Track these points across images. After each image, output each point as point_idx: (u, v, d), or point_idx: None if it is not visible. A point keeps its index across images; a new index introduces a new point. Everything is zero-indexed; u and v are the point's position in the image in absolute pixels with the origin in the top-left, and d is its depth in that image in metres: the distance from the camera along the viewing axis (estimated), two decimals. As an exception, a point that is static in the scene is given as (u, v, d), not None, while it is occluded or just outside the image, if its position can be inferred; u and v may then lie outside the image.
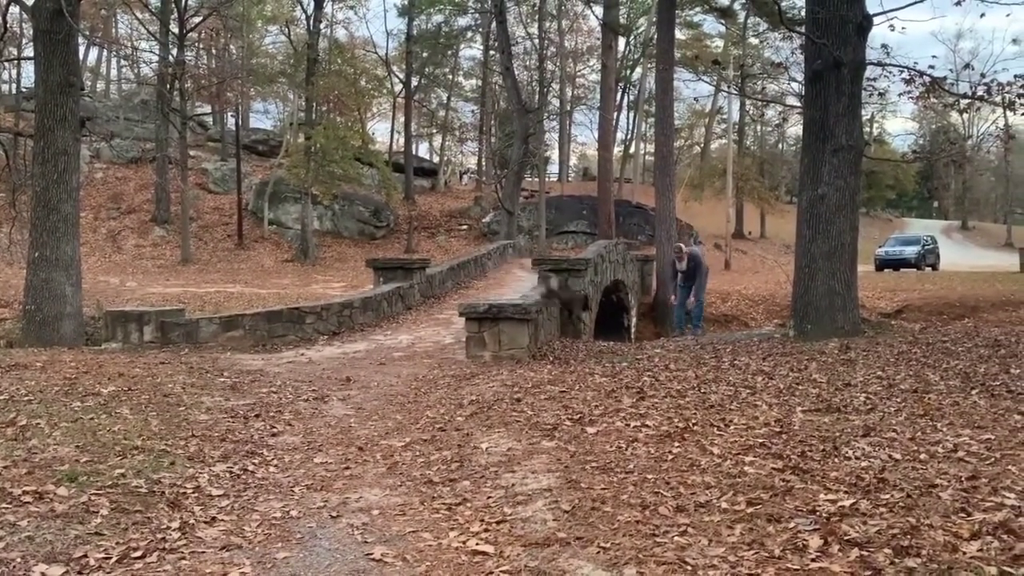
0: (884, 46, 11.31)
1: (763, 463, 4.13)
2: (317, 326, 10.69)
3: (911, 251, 30.53)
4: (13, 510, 3.58)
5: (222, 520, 3.77)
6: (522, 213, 34.16)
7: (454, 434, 5.32)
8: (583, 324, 11.57)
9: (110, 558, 3.22)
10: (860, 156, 9.75)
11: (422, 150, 52.43)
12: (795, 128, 43.32)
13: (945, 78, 11.10)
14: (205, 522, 3.73)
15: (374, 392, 7.09)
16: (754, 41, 41.15)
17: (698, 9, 39.94)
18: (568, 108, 45.19)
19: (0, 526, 3.40)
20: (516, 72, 33.01)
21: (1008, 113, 13.01)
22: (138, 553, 3.29)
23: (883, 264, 29.53)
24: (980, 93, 10.55)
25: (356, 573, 3.17)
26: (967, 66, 13.35)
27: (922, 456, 4.13)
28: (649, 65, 41.05)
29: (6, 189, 14.11)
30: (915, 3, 9.80)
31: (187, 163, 29.32)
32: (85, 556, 3.22)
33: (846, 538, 3.04)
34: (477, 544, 3.34)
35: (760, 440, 4.58)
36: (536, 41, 37.54)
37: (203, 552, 3.37)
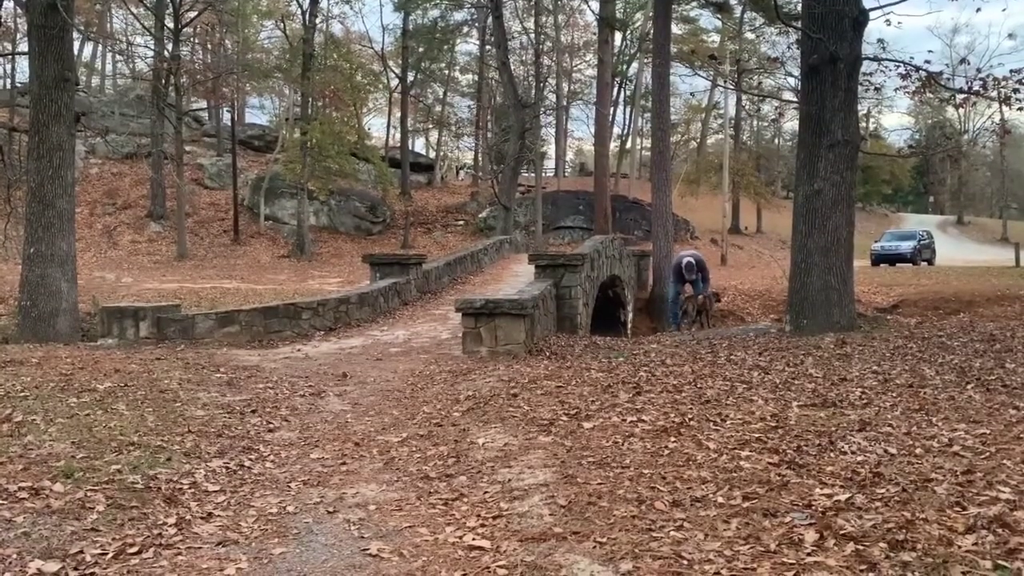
0: (880, 41, 11.34)
1: (759, 458, 4.14)
2: (313, 322, 10.68)
3: (907, 246, 30.54)
4: (9, 506, 3.58)
5: (218, 516, 3.77)
6: (518, 209, 34.15)
7: (450, 429, 5.32)
8: (579, 319, 11.58)
9: (106, 554, 3.22)
10: (856, 151, 9.77)
11: (418, 145, 52.41)
12: (791, 123, 43.32)
13: (941, 73, 11.12)
14: (201, 518, 3.73)
15: (370, 388, 7.09)
16: (750, 36, 41.10)
17: (694, 4, 39.86)
18: (564, 103, 45.10)
19: (-4, 522, 3.40)
20: (512, 67, 32.97)
21: (1004, 108, 13.03)
22: (134, 549, 3.29)
23: (879, 259, 29.56)
24: (976, 88, 10.57)
25: (352, 568, 3.17)
26: (963, 61, 13.40)
27: (917, 450, 4.14)
28: (645, 60, 41.00)
29: (1, 185, 14.05)
30: (911, -2, 9.81)
31: (182, 159, 29.21)
32: (81, 552, 3.22)
33: (841, 532, 3.05)
34: (474, 539, 3.35)
35: (756, 435, 4.59)
36: (532, 36, 37.49)
37: (199, 548, 3.37)
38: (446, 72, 46.30)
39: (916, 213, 65.61)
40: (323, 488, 4.23)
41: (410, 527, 3.57)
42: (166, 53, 27.31)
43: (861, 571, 2.75)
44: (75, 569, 3.09)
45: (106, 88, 45.95)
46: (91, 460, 4.32)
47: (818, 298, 9.49)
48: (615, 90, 41.54)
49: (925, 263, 30.09)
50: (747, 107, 42.99)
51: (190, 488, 4.11)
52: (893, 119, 73.64)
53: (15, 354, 7.56)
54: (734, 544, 3.05)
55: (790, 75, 38.29)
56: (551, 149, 51.02)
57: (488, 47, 39.24)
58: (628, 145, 49.35)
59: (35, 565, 3.05)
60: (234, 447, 5.00)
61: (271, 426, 5.64)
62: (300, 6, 30.58)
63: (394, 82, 40.03)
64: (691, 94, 47.80)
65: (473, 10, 38.02)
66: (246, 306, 11.25)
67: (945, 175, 65.27)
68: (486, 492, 3.97)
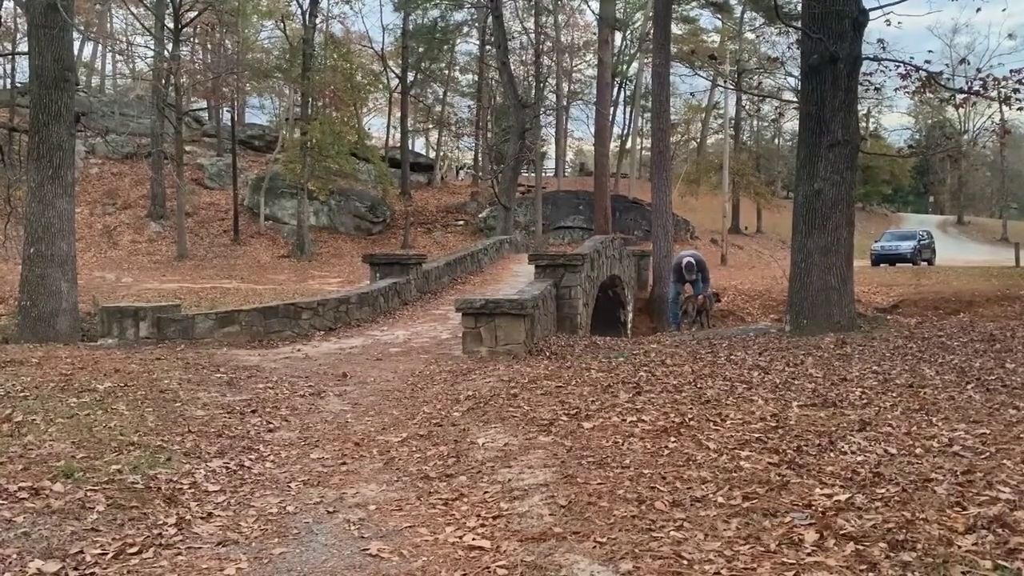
0: (880, 41, 11.33)
1: (759, 458, 4.14)
2: (313, 322, 10.68)
3: (907, 246, 30.52)
4: (9, 506, 3.58)
5: (218, 516, 3.77)
6: (518, 209, 34.14)
7: (451, 429, 5.32)
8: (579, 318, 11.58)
9: (106, 554, 3.22)
10: (856, 151, 9.77)
11: (418, 145, 52.40)
12: (791, 123, 43.35)
13: (941, 73, 11.13)
14: (201, 518, 3.72)
15: (370, 388, 7.09)
16: (750, 36, 41.14)
17: (694, 4, 39.91)
18: (565, 103, 45.12)
19: (-4, 522, 3.40)
20: (512, 67, 32.96)
21: (1004, 108, 13.04)
22: (134, 549, 3.29)
23: (879, 259, 29.55)
24: (976, 88, 10.58)
25: (352, 568, 3.17)
26: (963, 61, 13.41)
27: (917, 450, 4.14)
28: (645, 60, 41.01)
29: (1, 185, 14.06)
30: (911, -2, 9.83)
31: (183, 159, 29.22)
32: (81, 552, 3.22)
33: (841, 532, 3.05)
34: (474, 539, 3.35)
35: (756, 435, 4.59)
36: (532, 36, 37.49)
37: (199, 548, 3.37)
38: (446, 72, 46.29)
39: (916, 213, 65.54)
40: (323, 488, 4.23)
41: (410, 527, 3.57)
42: (166, 53, 27.31)
43: (861, 571, 2.75)
44: (75, 569, 3.09)
45: (106, 88, 45.94)
46: (91, 460, 4.32)
47: (818, 298, 9.49)
48: (615, 90, 41.54)
49: (925, 263, 30.07)
50: (747, 107, 42.96)
51: (190, 488, 4.11)
52: (893, 119, 73.52)
53: (15, 354, 7.56)
54: (734, 544, 3.05)
55: (790, 75, 38.30)
56: (551, 149, 51.05)
57: (488, 47, 39.23)
58: (628, 145, 49.35)
59: (35, 565, 3.05)
60: (234, 447, 5.00)
61: (271, 426, 5.64)
62: (300, 6, 30.60)
63: (394, 82, 40.05)
64: (691, 94, 47.78)
65: (473, 10, 38.05)
66: (246, 306, 11.26)
67: (945, 175, 65.21)
68: (486, 492, 3.97)
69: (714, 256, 29.65)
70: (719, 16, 39.39)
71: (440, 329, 10.87)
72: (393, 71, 39.92)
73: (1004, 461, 3.85)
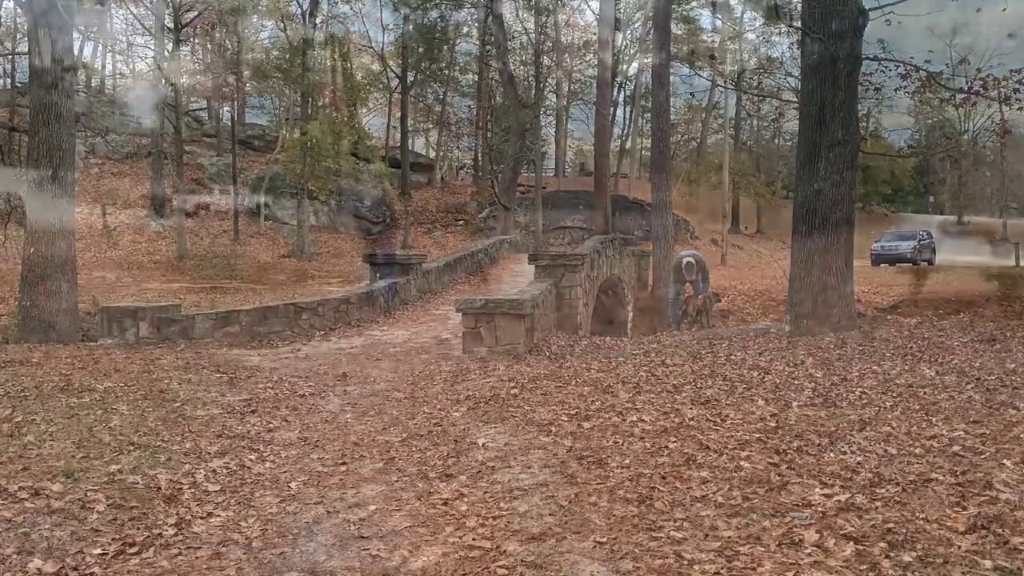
0: (880, 41, 11.34)
1: (759, 458, 4.14)
2: (313, 321, 10.68)
3: (907, 246, 30.49)
4: (9, 506, 3.58)
5: (218, 515, 3.77)
6: (518, 209, 34.14)
7: (451, 429, 5.32)
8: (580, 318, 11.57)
9: (106, 554, 3.22)
10: (856, 151, 9.77)
11: (418, 145, 52.31)
12: (791, 123, 43.25)
13: (941, 73, 11.13)
14: (201, 518, 3.72)
15: (370, 388, 7.08)
16: (751, 36, 41.16)
17: (695, 3, 39.93)
18: (565, 103, 45.10)
19: (-4, 522, 3.40)
20: (512, 67, 32.98)
21: (1004, 108, 13.04)
22: (134, 549, 3.29)
23: (879, 259, 29.53)
24: (976, 88, 10.58)
25: (352, 569, 3.17)
26: (963, 61, 13.40)
27: (917, 450, 4.14)
28: (645, 60, 41.02)
29: (1, 185, 14.07)
30: (911, -2, 9.83)
31: (183, 158, 29.22)
32: (81, 552, 3.22)
33: (842, 532, 3.05)
34: (474, 539, 3.35)
35: (756, 435, 4.59)
36: (532, 36, 37.50)
37: (199, 548, 3.37)
38: (446, 72, 46.26)
39: (916, 213, 65.42)
40: (323, 488, 4.23)
41: (410, 527, 3.57)
42: (166, 53, 27.31)
43: (861, 571, 2.75)
44: (75, 569, 3.09)
45: (106, 88, 45.91)
46: (91, 460, 4.32)
47: (818, 298, 9.49)
48: (615, 90, 41.51)
49: (925, 263, 30.07)
50: (747, 107, 42.96)
51: (190, 488, 4.11)
52: (893, 119, 73.36)
53: (15, 354, 7.56)
54: (734, 544, 3.05)
55: (790, 75, 38.30)
56: (551, 149, 51.02)
57: (488, 47, 39.23)
58: (628, 145, 49.32)
59: (35, 565, 3.05)
60: (234, 447, 5.00)
61: (271, 426, 5.64)
62: (300, 6, 30.60)
63: (394, 82, 40.03)
64: (691, 94, 47.68)
65: (473, 10, 38.06)
66: (246, 306, 11.25)
67: (945, 175, 65.13)
68: (486, 492, 3.97)
69: (714, 256, 29.64)
70: (718, 16, 39.41)
71: (440, 329, 10.87)
72: (393, 71, 39.90)
73: (1004, 461, 3.85)
